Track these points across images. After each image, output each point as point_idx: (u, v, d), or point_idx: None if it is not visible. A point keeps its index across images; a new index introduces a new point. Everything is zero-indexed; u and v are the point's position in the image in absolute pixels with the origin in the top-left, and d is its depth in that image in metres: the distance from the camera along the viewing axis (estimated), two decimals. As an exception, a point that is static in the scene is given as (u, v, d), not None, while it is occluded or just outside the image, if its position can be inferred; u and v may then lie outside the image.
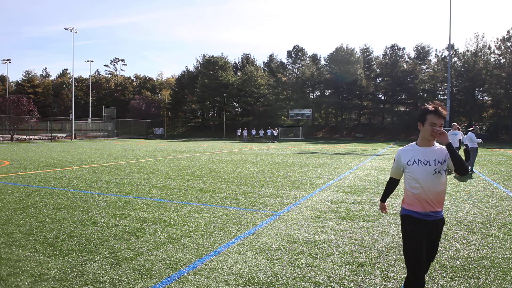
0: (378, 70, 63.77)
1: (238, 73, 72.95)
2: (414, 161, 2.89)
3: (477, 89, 54.02)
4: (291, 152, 23.85)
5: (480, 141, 13.82)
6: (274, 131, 46.48)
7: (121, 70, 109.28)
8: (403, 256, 4.41)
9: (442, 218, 2.94)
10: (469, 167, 13.19)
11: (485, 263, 4.23)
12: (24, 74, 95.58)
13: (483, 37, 60.06)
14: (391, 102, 60.60)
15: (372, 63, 66.24)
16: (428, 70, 59.20)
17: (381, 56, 63.61)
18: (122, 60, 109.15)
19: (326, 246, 4.76)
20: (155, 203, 7.30)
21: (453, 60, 52.38)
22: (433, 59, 60.28)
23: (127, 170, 12.88)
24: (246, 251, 4.55)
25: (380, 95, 64.32)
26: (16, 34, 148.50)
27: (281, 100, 64.20)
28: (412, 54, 62.72)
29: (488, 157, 20.20)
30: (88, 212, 6.53)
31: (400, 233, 5.38)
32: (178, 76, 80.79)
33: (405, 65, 60.08)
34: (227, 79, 67.27)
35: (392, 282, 3.70)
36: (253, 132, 48.82)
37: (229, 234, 5.26)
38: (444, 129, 2.83)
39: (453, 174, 12.57)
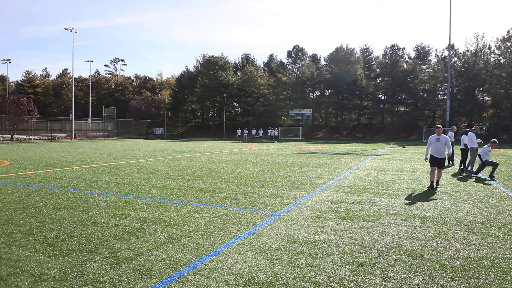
0: (378, 70, 63.72)
1: (238, 73, 72.93)
2: None
3: (477, 89, 54.01)
4: (291, 152, 23.85)
5: (479, 141, 13.82)
6: (274, 131, 46.49)
7: (121, 70, 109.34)
8: (403, 256, 4.43)
9: None
10: (469, 167, 13.18)
11: (485, 263, 4.23)
12: (24, 74, 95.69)
13: (483, 37, 59.94)
14: (391, 102, 60.59)
15: (372, 63, 66.24)
16: (428, 70, 59.17)
17: (381, 56, 63.56)
18: (122, 60, 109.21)
19: (326, 246, 4.76)
20: (155, 203, 7.30)
21: (453, 60, 52.39)
22: (433, 59, 60.29)
23: (127, 170, 12.88)
24: (246, 251, 4.55)
25: (380, 95, 64.30)
26: (16, 34, 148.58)
27: (281, 100, 64.21)
28: (412, 54, 62.72)
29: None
30: (88, 212, 6.53)
31: (400, 233, 5.41)
32: (178, 76, 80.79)
33: (405, 65, 60.04)
34: (227, 79, 67.27)
35: (392, 282, 3.70)
36: (253, 132, 48.82)
37: (229, 234, 5.26)
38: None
39: (455, 176, 12.56)
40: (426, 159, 10.09)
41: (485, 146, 12.59)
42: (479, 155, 12.47)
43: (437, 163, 9.49)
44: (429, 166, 9.73)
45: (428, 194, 8.64)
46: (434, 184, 9.57)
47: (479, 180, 11.09)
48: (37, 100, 75.56)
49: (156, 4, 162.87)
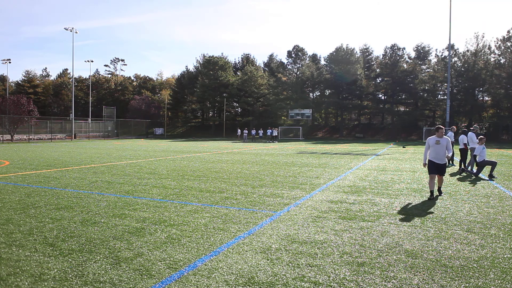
0: (378, 70, 63.70)
1: (238, 73, 72.91)
2: None
3: (477, 89, 53.98)
4: (291, 152, 23.84)
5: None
6: (274, 131, 46.47)
7: (121, 70, 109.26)
8: (403, 256, 4.44)
9: None
10: (469, 167, 13.19)
11: (485, 263, 4.23)
12: (24, 74, 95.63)
13: (483, 37, 59.93)
14: (391, 102, 60.59)
15: (372, 63, 66.23)
16: (428, 70, 59.14)
17: (381, 56, 63.55)
18: (122, 60, 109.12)
19: (326, 246, 4.76)
20: (155, 203, 7.30)
21: (453, 60, 52.37)
22: (433, 59, 60.24)
23: (127, 170, 12.87)
24: (246, 251, 4.55)
25: (380, 95, 64.29)
26: (16, 34, 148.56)
27: (281, 100, 64.20)
28: (412, 54, 62.68)
29: (488, 157, 20.18)
30: (88, 212, 6.53)
31: (400, 233, 5.41)
32: (178, 76, 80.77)
33: (405, 65, 60.02)
34: (227, 79, 67.27)
35: (392, 282, 3.70)
36: (253, 132, 48.81)
37: (229, 234, 5.26)
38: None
39: (455, 176, 12.56)
40: (425, 164, 8.54)
41: (477, 146, 12.62)
42: (475, 157, 12.50)
43: (437, 170, 8.21)
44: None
45: (428, 194, 8.63)
46: (435, 194, 8.40)
47: (479, 180, 11.10)
48: (37, 100, 75.53)
49: (156, 4, 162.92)
